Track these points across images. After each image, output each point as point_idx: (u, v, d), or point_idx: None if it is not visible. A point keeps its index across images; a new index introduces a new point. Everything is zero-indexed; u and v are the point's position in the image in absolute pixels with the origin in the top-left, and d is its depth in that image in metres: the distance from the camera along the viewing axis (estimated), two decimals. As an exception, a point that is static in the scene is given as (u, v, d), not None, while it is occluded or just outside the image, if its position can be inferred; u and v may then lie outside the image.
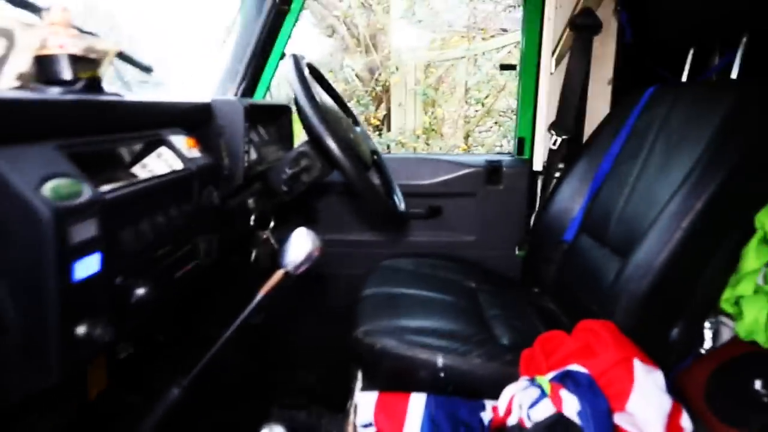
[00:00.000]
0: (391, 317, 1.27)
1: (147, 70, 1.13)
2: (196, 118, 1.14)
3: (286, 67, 1.21)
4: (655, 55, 1.51)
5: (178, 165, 0.92)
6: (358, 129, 1.48)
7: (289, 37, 1.65)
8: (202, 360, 0.94)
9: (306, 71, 1.20)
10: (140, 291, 0.73)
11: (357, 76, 4.89)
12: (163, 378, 0.93)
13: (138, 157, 0.90)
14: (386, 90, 4.86)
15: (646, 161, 1.29)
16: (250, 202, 1.28)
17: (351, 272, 1.75)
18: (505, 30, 4.46)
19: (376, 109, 4.92)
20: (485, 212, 1.87)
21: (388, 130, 4.89)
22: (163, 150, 0.92)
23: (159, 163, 0.91)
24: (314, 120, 1.13)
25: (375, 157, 1.56)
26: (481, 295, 1.49)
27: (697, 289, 1.09)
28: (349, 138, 1.28)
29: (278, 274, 1.00)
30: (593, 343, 0.97)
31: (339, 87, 4.64)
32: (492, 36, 4.55)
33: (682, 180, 1.08)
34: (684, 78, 1.34)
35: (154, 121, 0.95)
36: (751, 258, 1.06)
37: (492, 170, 1.83)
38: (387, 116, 4.92)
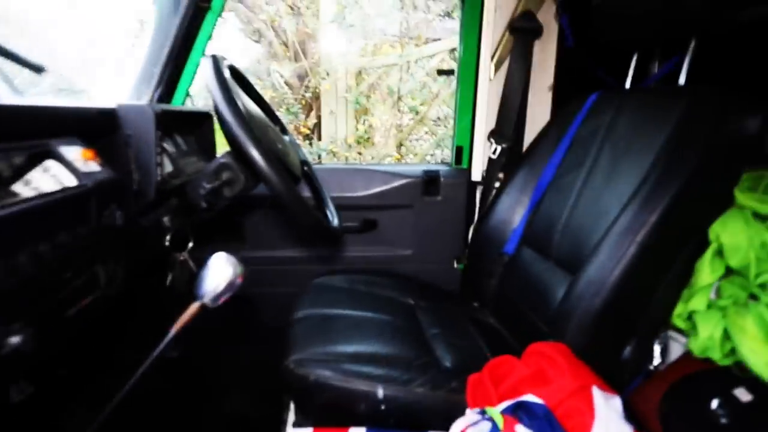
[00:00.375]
0: (325, 343, 1.16)
1: (38, 70, 0.97)
2: (96, 126, 0.99)
3: (204, 70, 1.09)
4: (598, 60, 1.48)
5: (71, 181, 0.78)
6: (286, 138, 1.37)
7: (210, 37, 1.52)
8: (108, 406, 0.81)
9: (227, 73, 1.08)
10: (15, 339, 0.59)
11: (286, 83, 4.72)
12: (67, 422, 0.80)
13: (20, 173, 0.75)
14: (317, 97, 4.72)
15: (590, 170, 1.25)
16: (165, 220, 1.15)
17: (281, 291, 1.63)
18: (437, 39, 4.44)
19: (306, 117, 4.77)
20: (423, 224, 1.81)
21: (319, 139, 4.76)
22: (50, 163, 0.78)
23: (46, 179, 0.77)
24: (236, 128, 0.98)
25: (305, 168, 1.45)
26: (420, 312, 1.42)
27: (650, 304, 1.05)
28: (276, 147, 1.17)
29: (194, 307, 0.87)
30: (546, 368, 0.90)
31: (267, 94, 4.47)
32: (425, 42, 4.51)
33: (634, 191, 1.04)
34: (628, 84, 1.31)
35: (39, 130, 0.80)
36: (705, 272, 1.03)
37: (429, 181, 1.78)
38: (318, 125, 4.79)
